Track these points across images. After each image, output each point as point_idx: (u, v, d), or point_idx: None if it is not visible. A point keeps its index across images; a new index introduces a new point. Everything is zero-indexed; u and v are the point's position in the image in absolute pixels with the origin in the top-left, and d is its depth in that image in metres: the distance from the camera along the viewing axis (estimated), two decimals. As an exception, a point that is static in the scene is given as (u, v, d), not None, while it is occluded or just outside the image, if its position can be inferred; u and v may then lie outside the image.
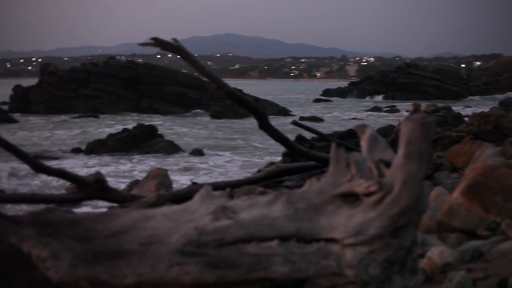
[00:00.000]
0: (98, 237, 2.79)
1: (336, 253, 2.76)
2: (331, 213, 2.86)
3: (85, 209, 13.91)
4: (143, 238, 2.75)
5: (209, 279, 2.52)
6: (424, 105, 21.82)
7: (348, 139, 11.73)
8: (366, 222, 2.80)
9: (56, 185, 18.27)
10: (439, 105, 25.79)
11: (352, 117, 54.76)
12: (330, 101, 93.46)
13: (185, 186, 16.88)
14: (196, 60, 5.58)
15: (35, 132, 40.54)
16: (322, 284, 2.80)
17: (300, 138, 13.36)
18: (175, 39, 5.62)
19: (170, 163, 24.55)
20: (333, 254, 2.76)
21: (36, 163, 7.31)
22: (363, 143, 3.23)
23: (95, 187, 7.07)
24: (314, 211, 2.87)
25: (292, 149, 6.32)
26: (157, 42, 5.43)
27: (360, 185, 2.81)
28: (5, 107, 57.61)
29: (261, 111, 5.88)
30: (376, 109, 67.17)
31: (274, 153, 27.65)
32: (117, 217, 2.88)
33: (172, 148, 28.30)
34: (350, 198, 2.89)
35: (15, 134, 37.04)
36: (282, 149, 21.74)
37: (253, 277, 2.61)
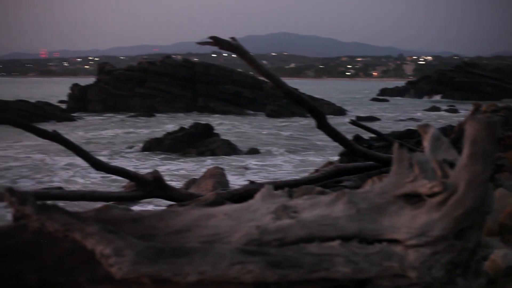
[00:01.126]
0: (160, 234, 2.81)
1: (399, 254, 2.73)
2: (393, 214, 2.83)
3: (141, 207, 14.06)
4: (204, 236, 2.76)
5: (270, 278, 2.51)
6: (484, 105, 21.43)
7: (406, 139, 11.58)
8: (430, 223, 2.76)
9: (104, 183, 18.57)
10: (499, 105, 25.31)
11: (409, 117, 54.12)
12: (387, 100, 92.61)
13: (241, 185, 16.94)
14: (254, 59, 5.58)
15: (93, 130, 41.15)
16: (384, 285, 2.77)
17: (357, 138, 13.26)
18: (233, 38, 5.64)
19: (226, 162, 24.64)
20: (396, 255, 2.72)
21: (96, 161, 7.42)
22: (426, 143, 3.19)
23: (153, 185, 7.14)
24: (376, 212, 2.84)
25: (351, 148, 6.26)
26: (216, 41, 5.45)
27: (424, 186, 2.77)
28: (64, 106, 58.51)
29: (319, 110, 5.85)
30: (434, 109, 66.31)
31: (330, 153, 27.54)
32: (179, 215, 2.89)
33: (228, 147, 28.39)
34: (413, 199, 2.85)
35: (74, 133, 37.68)
36: (338, 148, 21.64)
37: (314, 277, 2.59)
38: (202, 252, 2.50)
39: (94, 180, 19.54)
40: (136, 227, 2.86)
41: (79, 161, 23.03)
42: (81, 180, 19.79)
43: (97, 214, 2.91)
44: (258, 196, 3.01)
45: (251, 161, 25.32)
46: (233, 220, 2.80)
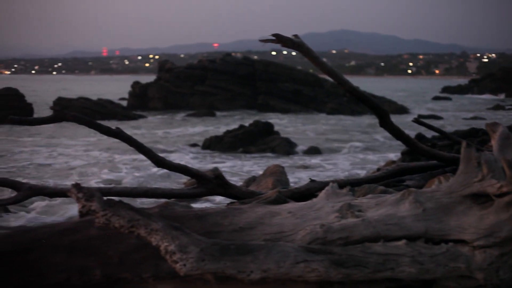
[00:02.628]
0: (224, 232, 2.81)
1: (466, 255, 2.68)
2: (460, 214, 2.78)
3: (201, 204, 14.15)
4: (268, 234, 2.75)
5: (334, 277, 2.49)
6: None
7: (470, 138, 11.36)
8: (498, 223, 2.70)
9: (156, 180, 18.77)
10: None
11: (472, 115, 53.21)
12: (450, 99, 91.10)
13: (302, 183, 16.88)
14: (316, 57, 5.54)
15: (154, 128, 41.58)
16: (450, 286, 2.72)
17: (420, 137, 13.07)
18: (296, 35, 5.61)
19: (286, 160, 24.61)
20: (463, 256, 2.67)
21: (158, 158, 7.48)
22: (494, 142, 3.12)
23: (214, 182, 7.15)
24: (443, 211, 2.79)
25: (414, 147, 6.15)
26: (278, 38, 5.42)
27: (492, 186, 2.71)
28: (124, 104, 59.19)
29: (382, 109, 5.76)
30: (498, 107, 64.94)
31: (391, 151, 27.26)
32: (243, 212, 2.89)
33: (288, 145, 28.32)
34: (481, 199, 2.79)
35: (135, 130, 38.16)
36: (398, 147, 21.39)
37: (379, 277, 2.56)
38: (267, 250, 2.49)
39: (150, 178, 19.76)
40: (201, 224, 2.87)
41: (138, 158, 23.42)
42: (141, 178, 20.01)
43: (161, 210, 2.93)
44: (322, 194, 2.99)
45: (311, 159, 25.22)
46: (297, 218, 2.79)
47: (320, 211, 2.82)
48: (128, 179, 19.60)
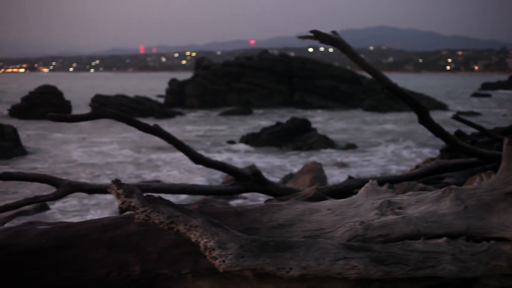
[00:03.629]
0: (263, 228, 2.81)
1: (508, 253, 2.64)
2: (502, 212, 2.74)
3: (238, 201, 14.18)
4: (308, 231, 2.74)
5: (374, 274, 2.47)
6: None
7: (511, 135, 11.21)
8: (541, 222, 2.66)
9: (191, 178, 18.83)
10: None
11: (513, 112, 52.50)
12: (489, 95, 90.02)
13: (339, 180, 16.86)
14: (355, 53, 5.51)
15: (191, 125, 41.78)
16: (491, 285, 2.68)
17: (459, 134, 12.93)
18: (334, 32, 5.58)
19: (323, 157, 24.55)
20: (504, 254, 2.63)
21: (196, 154, 7.50)
22: (537, 139, 3.07)
23: (252, 179, 7.16)
24: (485, 209, 2.75)
25: (453, 144, 6.08)
26: (317, 34, 5.40)
27: (535, 183, 2.67)
28: (161, 101, 59.49)
29: (422, 105, 5.71)
30: (538, 104, 64.15)
31: (429, 148, 27.04)
32: (282, 209, 2.88)
33: (325, 142, 28.26)
34: (524, 196, 2.75)
35: (172, 127, 38.38)
36: (437, 144, 21.16)
37: (419, 274, 2.54)
38: (306, 247, 2.48)
39: (186, 175, 19.85)
40: (240, 220, 2.87)
41: (175, 156, 23.54)
42: (177, 174, 20.12)
43: (200, 207, 2.93)
44: (362, 191, 2.97)
45: (348, 156, 25.16)
46: (337, 215, 2.77)
47: (359, 208, 2.81)
48: (165, 176, 19.73)
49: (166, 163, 22.90)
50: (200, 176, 18.96)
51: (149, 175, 20.18)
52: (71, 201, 14.85)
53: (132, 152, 26.59)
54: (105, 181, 17.84)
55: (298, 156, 25.36)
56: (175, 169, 21.51)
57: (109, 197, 14.93)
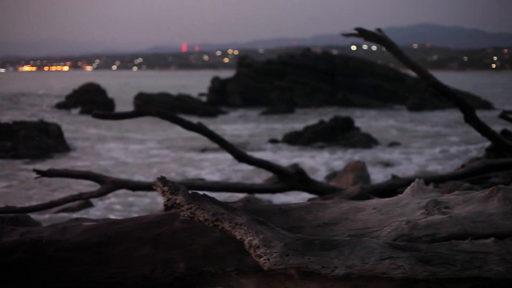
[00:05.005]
0: (307, 227, 2.80)
1: (557, 255, 2.59)
2: (552, 212, 2.69)
3: (279, 199, 14.17)
4: (353, 230, 2.73)
5: (420, 275, 2.45)
6: None
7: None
8: None
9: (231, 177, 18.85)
10: None
11: (560, 110, 51.48)
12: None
13: (382, 179, 16.75)
14: (400, 50, 5.48)
15: (233, 123, 41.92)
16: (540, 286, 2.63)
17: (505, 133, 12.74)
18: (379, 29, 5.55)
19: (366, 156, 24.40)
20: (554, 255, 2.58)
21: (239, 152, 7.53)
22: None
23: (295, 178, 7.16)
24: (533, 209, 2.70)
25: (500, 143, 6.01)
26: (361, 32, 5.38)
27: None
28: (204, 99, 59.74)
29: (467, 104, 5.65)
30: None
31: (473, 148, 26.72)
32: (327, 207, 2.87)
33: (368, 141, 28.10)
34: None
35: (215, 125, 38.53)
36: (483, 143, 20.87)
37: (466, 275, 2.50)
38: (351, 246, 2.47)
39: (228, 174, 19.89)
40: (284, 218, 2.86)
41: (214, 156, 23.61)
42: (218, 174, 20.17)
43: (245, 205, 2.94)
44: (408, 190, 2.94)
45: (392, 155, 24.97)
46: (383, 214, 2.75)
47: (405, 207, 2.78)
48: (206, 175, 19.79)
49: (206, 163, 22.99)
50: (241, 176, 19.00)
51: (189, 174, 20.28)
52: (115, 198, 15.01)
53: (172, 151, 26.75)
54: (145, 179, 18.00)
55: (341, 155, 25.26)
56: (215, 168, 21.59)
57: (151, 194, 15.05)
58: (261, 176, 17.80)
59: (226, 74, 69.82)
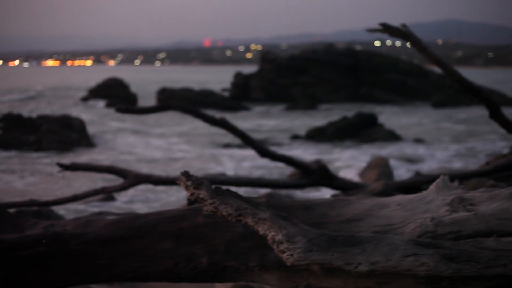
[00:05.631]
0: (331, 223, 2.79)
1: None
2: None
3: (299, 195, 14.15)
4: (377, 226, 2.71)
5: (444, 272, 2.42)
6: None
7: None
8: None
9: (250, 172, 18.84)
10: None
11: None
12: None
13: (405, 176, 16.69)
14: (425, 46, 5.44)
15: (256, 118, 41.93)
16: None
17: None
18: (404, 25, 5.52)
19: (390, 152, 24.30)
20: None
21: (262, 148, 7.54)
22: None
23: (318, 174, 7.16)
24: (560, 206, 2.67)
25: (525, 140, 5.95)
26: (386, 28, 5.35)
27: None
28: (226, 94, 59.73)
29: (493, 100, 5.60)
30: None
31: (499, 144, 26.51)
32: (351, 203, 2.86)
33: (392, 137, 27.98)
34: None
35: (238, 120, 38.53)
36: (508, 140, 20.67)
37: (490, 273, 2.48)
38: (375, 242, 2.45)
39: (248, 170, 19.86)
40: (307, 214, 2.86)
41: (235, 151, 23.60)
42: (239, 170, 20.17)
43: (268, 200, 2.93)
44: (432, 187, 2.92)
45: (415, 152, 24.85)
46: (407, 210, 2.74)
47: (430, 204, 2.76)
48: (227, 171, 19.78)
49: (227, 158, 23.00)
50: (262, 173, 18.98)
51: (211, 170, 20.30)
52: (137, 193, 15.07)
53: (193, 146, 26.79)
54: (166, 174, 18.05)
55: (364, 151, 25.18)
56: (237, 164, 21.60)
57: (170, 190, 15.07)
58: (283, 174, 17.78)
59: (249, 69, 69.74)
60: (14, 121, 26.03)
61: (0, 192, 15.20)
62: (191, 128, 31.26)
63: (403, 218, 2.70)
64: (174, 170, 19.32)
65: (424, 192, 2.90)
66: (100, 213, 6.62)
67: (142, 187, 13.01)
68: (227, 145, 25.48)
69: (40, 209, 8.40)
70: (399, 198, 2.86)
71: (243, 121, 39.19)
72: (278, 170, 18.45)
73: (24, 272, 3.21)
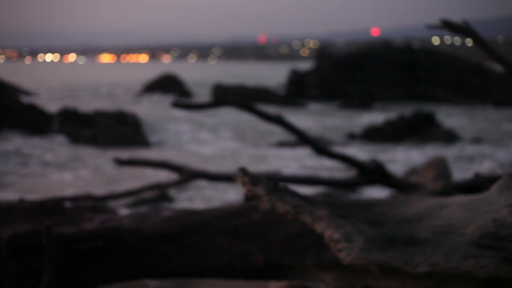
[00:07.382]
0: (389, 222, 2.75)
1: None
2: None
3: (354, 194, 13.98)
4: (436, 226, 2.65)
5: (504, 275, 2.36)
6: None
7: None
8: None
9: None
10: None
11: None
12: None
13: (464, 176, 16.37)
14: (486, 44, 5.31)
15: (312, 116, 41.72)
16: None
17: None
18: (465, 21, 5.40)
19: (448, 152, 23.89)
20: None
21: (319, 146, 7.50)
22: None
23: (375, 172, 7.08)
24: None
25: None
26: (446, 24, 5.23)
27: None
28: (281, 91, 59.56)
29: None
30: None
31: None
32: (410, 203, 2.81)
33: (450, 137, 27.53)
34: None
35: (293, 117, 38.36)
36: None
37: (554, 277, 2.40)
38: (435, 243, 2.39)
39: (302, 170, 19.74)
40: (365, 213, 2.82)
41: (288, 151, 23.52)
42: (293, 169, 20.06)
43: (325, 198, 2.90)
44: (494, 187, 2.84)
45: (476, 152, 24.40)
46: (468, 211, 2.67)
47: (492, 205, 2.68)
48: (283, 169, 19.70)
49: (282, 157, 22.92)
50: (317, 173, 18.81)
51: (264, 168, 20.23)
52: (193, 192, 15.12)
53: (245, 143, 26.79)
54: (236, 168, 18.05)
55: (421, 151, 24.81)
56: (292, 163, 21.53)
57: (222, 186, 15.06)
58: (339, 174, 17.65)
59: (304, 66, 69.30)
60: (70, 115, 26.45)
61: (53, 185, 15.41)
62: (245, 125, 31.29)
63: (463, 219, 2.63)
64: (226, 168, 19.34)
65: (486, 193, 2.83)
66: (156, 209, 6.68)
67: (200, 185, 13.03)
68: (282, 144, 25.45)
69: (95, 204, 8.52)
70: (460, 198, 2.79)
71: (298, 118, 38.96)
72: (326, 172, 18.31)
73: (80, 265, 3.24)
